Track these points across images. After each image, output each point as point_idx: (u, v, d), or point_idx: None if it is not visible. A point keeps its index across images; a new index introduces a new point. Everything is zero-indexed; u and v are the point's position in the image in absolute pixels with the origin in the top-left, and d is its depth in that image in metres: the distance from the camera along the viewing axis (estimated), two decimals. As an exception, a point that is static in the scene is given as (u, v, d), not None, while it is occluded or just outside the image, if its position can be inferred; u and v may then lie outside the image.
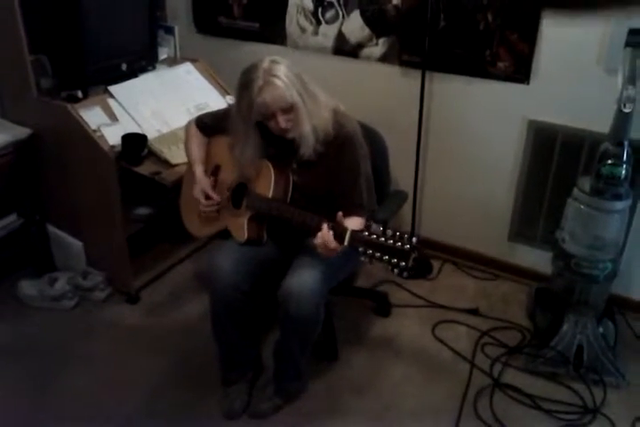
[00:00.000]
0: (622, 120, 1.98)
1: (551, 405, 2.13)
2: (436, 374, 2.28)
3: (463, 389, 2.20)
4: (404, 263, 1.59)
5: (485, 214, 2.74)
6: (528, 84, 2.40)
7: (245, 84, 1.80)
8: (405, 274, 1.61)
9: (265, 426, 2.07)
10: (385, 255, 1.61)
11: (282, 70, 1.78)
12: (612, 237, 2.11)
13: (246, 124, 1.88)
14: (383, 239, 1.63)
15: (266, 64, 1.79)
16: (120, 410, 2.13)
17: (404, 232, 1.65)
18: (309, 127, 1.84)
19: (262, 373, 2.23)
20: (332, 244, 1.71)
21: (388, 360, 2.35)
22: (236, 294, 1.95)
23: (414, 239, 1.61)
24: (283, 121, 1.81)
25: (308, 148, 1.87)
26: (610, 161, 2.01)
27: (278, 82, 1.76)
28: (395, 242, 1.61)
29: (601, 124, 2.10)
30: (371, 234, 1.65)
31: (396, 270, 1.61)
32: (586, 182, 2.11)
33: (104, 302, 2.64)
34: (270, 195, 1.93)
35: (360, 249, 1.65)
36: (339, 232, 1.71)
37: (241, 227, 1.99)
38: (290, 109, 1.80)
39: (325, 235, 1.72)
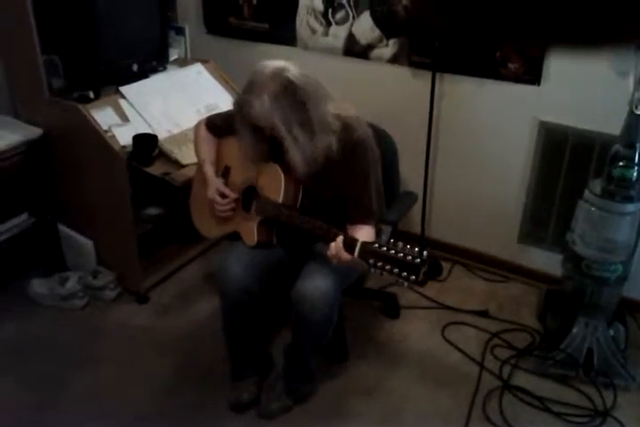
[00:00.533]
0: (634, 122, 1.97)
1: (561, 407, 2.12)
2: (445, 375, 2.28)
3: (472, 391, 2.19)
4: (414, 277, 1.58)
5: (495, 216, 2.73)
6: (539, 85, 2.40)
7: (246, 86, 1.78)
8: (416, 287, 1.60)
9: (273, 426, 2.08)
10: (395, 268, 1.60)
11: (273, 94, 1.70)
12: (622, 240, 2.10)
13: (241, 122, 1.86)
14: (393, 252, 1.61)
15: (268, 75, 1.73)
16: (129, 409, 2.13)
17: (415, 245, 1.63)
18: (299, 156, 1.79)
19: (271, 371, 2.23)
20: (345, 256, 1.70)
21: (397, 362, 2.34)
22: (245, 297, 1.95)
23: (425, 253, 1.60)
24: (268, 131, 1.79)
25: (301, 172, 1.84)
26: (621, 163, 2.00)
27: (258, 106, 1.71)
28: (405, 255, 1.59)
29: (612, 125, 2.09)
30: (381, 246, 1.63)
31: (405, 284, 1.60)
32: (597, 184, 2.10)
33: (114, 302, 2.65)
34: (280, 200, 1.91)
35: (370, 261, 1.64)
36: (349, 243, 1.71)
37: (251, 231, 1.98)
38: (273, 129, 1.76)
39: (340, 250, 1.71)
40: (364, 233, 1.82)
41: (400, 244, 1.62)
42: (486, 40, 2.31)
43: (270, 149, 1.92)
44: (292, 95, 1.73)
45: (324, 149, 1.81)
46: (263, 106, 1.71)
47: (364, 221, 1.86)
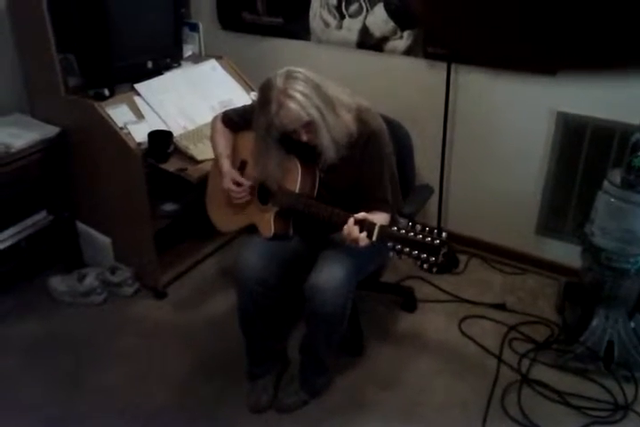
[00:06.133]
0: (653, 111, 1.94)
1: (581, 401, 2.10)
2: (463, 369, 2.27)
3: (490, 384, 2.18)
4: (433, 258, 1.58)
5: (513, 208, 2.70)
6: (556, 75, 2.36)
7: (262, 104, 1.79)
8: (435, 269, 1.60)
9: (291, 420, 2.08)
10: (414, 250, 1.60)
11: (297, 88, 1.73)
12: (643, 231, 2.07)
13: (266, 140, 1.87)
14: (412, 234, 1.61)
15: (280, 82, 1.74)
16: (148, 404, 2.16)
17: (433, 227, 1.63)
18: (329, 139, 1.81)
19: (288, 367, 2.24)
20: (357, 234, 1.70)
21: (415, 355, 2.34)
22: (262, 289, 1.96)
23: (444, 234, 1.60)
24: (305, 134, 1.80)
25: (329, 157, 1.85)
26: (641, 153, 1.96)
27: (293, 104, 1.73)
28: (424, 237, 1.60)
29: (631, 115, 2.06)
30: (400, 229, 1.64)
31: (425, 265, 1.60)
32: (616, 175, 2.06)
33: (132, 298, 2.68)
34: (297, 190, 1.93)
35: (389, 244, 1.64)
36: (367, 227, 1.70)
37: (267, 222, 1.99)
38: (310, 124, 1.78)
39: (351, 228, 1.71)
40: (380, 218, 1.81)
41: (418, 226, 1.63)
42: (495, 60, 2.29)
43: (290, 151, 1.92)
44: (311, 82, 1.77)
45: (347, 129, 1.84)
46: (299, 103, 1.73)
47: (379, 209, 1.86)
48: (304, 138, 1.81)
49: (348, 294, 1.90)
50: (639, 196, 2.01)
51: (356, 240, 1.71)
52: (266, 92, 1.77)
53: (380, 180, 1.93)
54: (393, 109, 2.20)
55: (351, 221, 1.72)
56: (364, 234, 1.70)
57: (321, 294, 1.85)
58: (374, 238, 1.69)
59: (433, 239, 1.59)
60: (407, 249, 1.61)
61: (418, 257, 1.60)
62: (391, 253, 1.66)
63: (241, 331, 2.12)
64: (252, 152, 2.00)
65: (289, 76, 1.76)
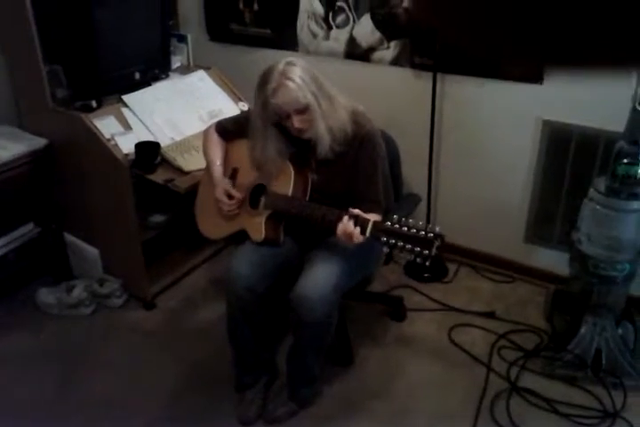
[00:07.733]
0: (637, 119, 1.95)
1: (570, 409, 2.10)
2: (453, 377, 2.26)
3: (480, 393, 2.17)
4: (427, 251, 1.60)
5: (501, 216, 2.71)
6: (542, 84, 2.38)
7: (261, 86, 1.83)
8: (428, 262, 1.62)
9: (281, 431, 2.08)
10: (408, 244, 1.62)
11: (296, 72, 1.80)
12: (629, 238, 2.07)
13: (264, 123, 1.90)
14: (406, 229, 1.64)
15: (281, 66, 1.81)
16: (139, 415, 2.14)
17: (425, 223, 1.67)
18: (324, 127, 1.85)
19: (277, 377, 2.23)
20: (351, 228, 1.72)
21: (404, 364, 2.33)
22: (251, 297, 1.95)
23: (438, 228, 1.63)
24: (297, 121, 1.83)
25: (324, 147, 1.88)
26: (625, 160, 1.98)
27: (291, 84, 1.78)
28: (418, 231, 1.63)
29: (616, 122, 2.07)
30: (393, 224, 1.67)
31: (418, 259, 1.63)
32: (601, 182, 2.08)
33: (121, 309, 2.66)
34: (290, 193, 1.94)
35: (383, 239, 1.66)
36: (361, 224, 1.72)
37: (258, 226, 2.00)
38: (304, 110, 1.82)
39: (345, 223, 1.73)
40: (372, 217, 1.81)
41: (411, 220, 1.66)
42: (485, 53, 2.32)
43: (287, 143, 1.95)
44: (311, 72, 1.84)
45: (343, 123, 1.88)
46: (297, 84, 1.78)
47: (371, 211, 1.87)
48: (297, 124, 1.83)
49: (333, 304, 1.90)
50: (624, 203, 2.03)
51: (350, 236, 1.73)
52: (266, 75, 1.82)
53: (374, 181, 1.95)
54: (380, 119, 2.20)
55: (346, 217, 1.75)
56: (357, 229, 1.72)
57: (307, 303, 1.85)
58: (367, 234, 1.71)
59: (427, 233, 1.62)
60: (401, 243, 1.64)
61: (412, 250, 1.63)
62: (385, 248, 1.68)
63: (229, 340, 2.11)
64: (249, 142, 2.01)
65: (290, 63, 1.82)
